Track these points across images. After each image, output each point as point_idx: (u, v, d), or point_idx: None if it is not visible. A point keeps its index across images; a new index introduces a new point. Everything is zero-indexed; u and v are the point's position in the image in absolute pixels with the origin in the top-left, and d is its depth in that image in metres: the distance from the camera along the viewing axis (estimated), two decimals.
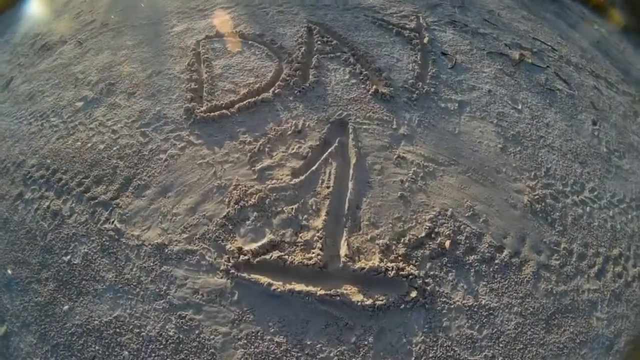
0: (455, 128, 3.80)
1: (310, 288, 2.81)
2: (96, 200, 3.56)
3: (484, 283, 2.95)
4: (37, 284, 3.31)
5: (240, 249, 3.01)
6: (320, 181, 3.25)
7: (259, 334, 2.72)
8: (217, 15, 4.81)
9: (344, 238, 3.01)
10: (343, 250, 2.96)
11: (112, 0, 5.63)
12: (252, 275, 2.89)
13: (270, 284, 2.84)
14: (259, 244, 3.02)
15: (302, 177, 3.26)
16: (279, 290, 2.80)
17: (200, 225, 3.18)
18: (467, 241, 3.09)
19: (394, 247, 3.00)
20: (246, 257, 2.95)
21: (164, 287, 2.95)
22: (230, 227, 3.13)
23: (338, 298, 2.75)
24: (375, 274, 2.84)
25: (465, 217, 3.21)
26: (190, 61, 4.16)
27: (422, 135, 3.65)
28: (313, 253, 2.92)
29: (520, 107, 4.21)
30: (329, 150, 3.42)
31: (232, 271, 2.92)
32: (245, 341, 2.69)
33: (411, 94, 3.93)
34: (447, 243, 3.06)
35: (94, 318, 2.95)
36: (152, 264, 3.06)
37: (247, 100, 3.73)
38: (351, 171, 3.31)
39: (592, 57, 5.70)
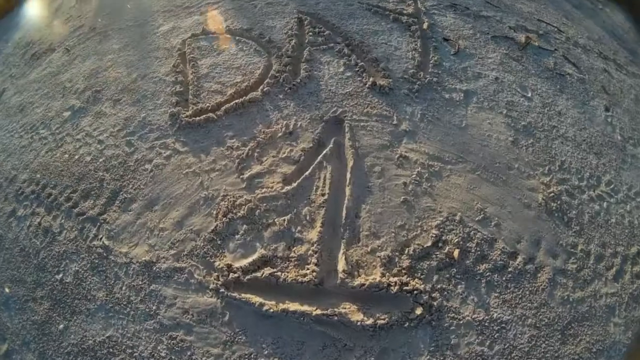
0: (462, 121, 3.32)
1: (306, 308, 2.45)
2: (84, 216, 3.27)
3: (496, 294, 2.55)
4: (33, 302, 3.11)
5: (229, 266, 2.66)
6: (314, 188, 2.85)
7: (252, 356, 2.41)
8: (203, 11, 4.37)
9: (341, 251, 2.62)
10: (341, 264, 2.57)
11: (100, 3, 5.25)
12: (243, 295, 2.54)
13: (262, 304, 2.48)
14: (249, 260, 2.65)
15: (294, 185, 2.86)
16: (271, 310, 2.44)
17: (187, 241, 2.85)
18: (478, 249, 2.66)
19: (397, 259, 2.60)
20: (236, 275, 2.60)
21: (154, 307, 2.66)
22: (219, 242, 2.78)
23: (336, 318, 2.37)
24: (376, 290, 2.45)
25: (475, 222, 2.78)
26: (175, 62, 3.77)
27: (426, 131, 3.19)
28: (308, 269, 2.54)
29: (530, 94, 3.69)
30: (324, 152, 3.00)
31: (222, 290, 2.59)
32: None
33: (412, 85, 3.45)
34: (456, 252, 2.65)
35: (88, 338, 2.71)
36: (140, 283, 2.78)
37: (234, 102, 3.33)
38: (348, 175, 2.89)
39: (599, 38, 5.05)
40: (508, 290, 2.57)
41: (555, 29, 4.62)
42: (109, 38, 4.45)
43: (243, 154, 3.05)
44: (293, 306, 2.48)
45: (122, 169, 3.31)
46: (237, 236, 2.78)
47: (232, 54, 3.78)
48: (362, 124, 3.18)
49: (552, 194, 3.00)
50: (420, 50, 3.74)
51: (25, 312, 3.09)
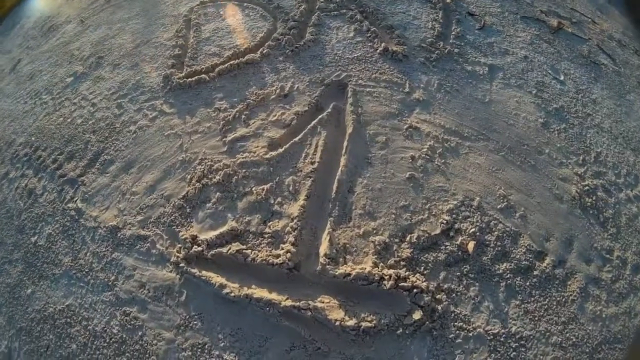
0: (486, 96, 2.57)
1: (274, 296, 1.79)
2: (65, 178, 2.82)
3: (517, 302, 1.80)
4: (9, 265, 2.72)
5: (194, 238, 2.07)
6: (303, 155, 2.21)
7: (206, 346, 1.81)
8: None
9: (326, 231, 1.95)
10: (323, 247, 1.90)
11: None
12: (204, 272, 1.94)
13: (222, 286, 1.86)
14: (217, 232, 2.06)
15: (280, 150, 2.24)
16: (233, 294, 1.82)
17: (156, 207, 2.31)
18: (499, 243, 1.94)
19: (395, 247, 1.91)
20: (200, 249, 2.00)
21: (112, 277, 2.21)
22: (188, 210, 2.21)
23: (309, 313, 1.70)
24: (365, 283, 1.76)
25: (496, 210, 2.05)
26: (178, 28, 3.28)
27: (443, 102, 2.47)
28: (282, 249, 1.90)
29: (562, 77, 2.90)
30: (320, 116, 2.35)
31: (182, 265, 2.01)
32: (189, 353, 1.81)
33: (430, 53, 2.75)
34: (471, 245, 1.92)
35: (49, 304, 2.32)
36: (104, 250, 2.32)
37: (228, 63, 2.77)
38: (345, 143, 2.22)
39: (634, 35, 4.15)
40: (532, 299, 1.82)
41: (589, 20, 3.77)
42: (122, 8, 4.06)
43: (230, 116, 2.46)
44: (259, 292, 1.82)
45: (108, 130, 2.83)
46: (208, 204, 2.19)
47: (238, 19, 3.23)
48: (368, 89, 2.50)
49: (587, 188, 2.23)
50: (441, 21, 3.03)
51: (1, 275, 2.68)
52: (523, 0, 3.65)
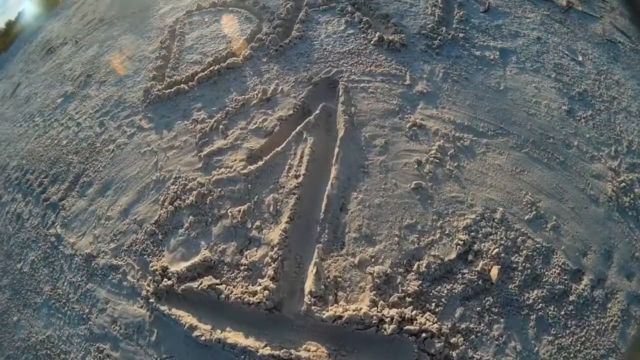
0: (500, 83, 2.04)
1: (251, 342, 1.35)
2: (48, 202, 2.55)
3: (550, 338, 1.31)
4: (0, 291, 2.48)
5: (164, 270, 1.66)
6: (286, 167, 1.75)
7: None
8: None
9: (313, 261, 1.49)
10: (309, 282, 1.44)
11: None
12: (174, 310, 1.53)
13: (193, 327, 1.44)
14: (188, 263, 1.64)
15: (260, 163, 1.79)
16: (204, 337, 1.40)
17: (129, 233, 1.96)
18: (528, 265, 1.43)
19: (399, 279, 1.43)
20: (169, 282, 1.59)
21: (87, 310, 1.89)
22: (160, 236, 1.82)
23: None
24: (360, 327, 1.29)
25: (524, 222, 1.53)
26: (163, 39, 2.91)
27: (451, 93, 1.96)
28: (260, 284, 1.46)
29: (581, 58, 2.33)
30: (307, 120, 1.88)
31: (152, 300, 1.62)
32: None
33: (432, 40, 2.24)
34: (494, 270, 1.42)
35: (32, 334, 2.05)
36: (79, 279, 2.01)
37: (209, 70, 2.36)
38: (337, 149, 1.74)
39: None
40: (567, 331, 1.33)
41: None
42: (113, 26, 3.77)
43: (207, 127, 2.05)
44: (234, 337, 1.38)
45: (89, 151, 2.50)
46: (180, 230, 1.79)
47: (222, 24, 2.82)
48: (362, 85, 2.02)
49: (624, 185, 1.70)
50: (441, 6, 2.50)
51: None
52: None
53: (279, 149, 1.82)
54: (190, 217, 1.78)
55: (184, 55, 2.69)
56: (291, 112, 1.94)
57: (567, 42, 2.47)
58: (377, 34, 2.26)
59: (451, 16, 2.53)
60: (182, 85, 2.35)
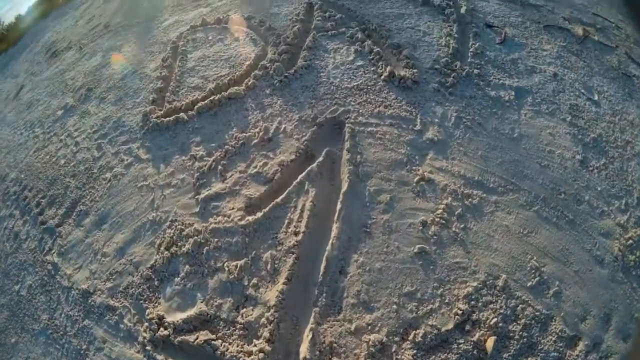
0: (514, 129, 1.86)
1: None
2: (45, 226, 2.42)
3: None
4: None
5: (161, 319, 1.55)
6: (286, 222, 1.60)
7: None
8: (210, 3, 3.29)
9: (309, 325, 1.37)
10: (304, 347, 1.32)
11: (121, 2, 4.39)
12: None
13: None
14: (185, 315, 1.53)
15: (258, 215, 1.63)
16: None
17: (125, 274, 1.83)
18: (525, 333, 1.32)
19: (394, 347, 1.31)
20: (166, 332, 1.49)
21: (84, 346, 1.80)
22: (156, 282, 1.70)
23: None
24: None
25: (526, 289, 1.40)
26: (165, 56, 2.72)
27: (463, 142, 1.79)
28: (256, 346, 1.35)
29: (596, 97, 2.13)
30: (309, 168, 1.72)
31: (149, 348, 1.52)
32: None
33: (445, 77, 2.04)
34: (490, 342, 1.29)
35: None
36: (76, 314, 1.92)
37: (209, 99, 2.17)
38: (339, 205, 1.59)
39: None
40: None
41: (613, 25, 2.91)
42: (118, 35, 3.56)
43: (205, 166, 1.89)
44: None
45: (86, 176, 2.35)
46: (176, 279, 1.66)
47: (225, 44, 2.62)
48: (370, 128, 1.84)
49: (631, 242, 1.56)
50: (456, 36, 2.29)
51: None
52: (544, 7, 2.84)
53: (278, 200, 1.66)
54: (187, 266, 1.65)
55: (185, 78, 2.50)
56: (293, 156, 1.77)
57: (584, 79, 2.28)
58: (388, 68, 2.06)
59: (466, 48, 2.32)
60: (181, 114, 2.18)
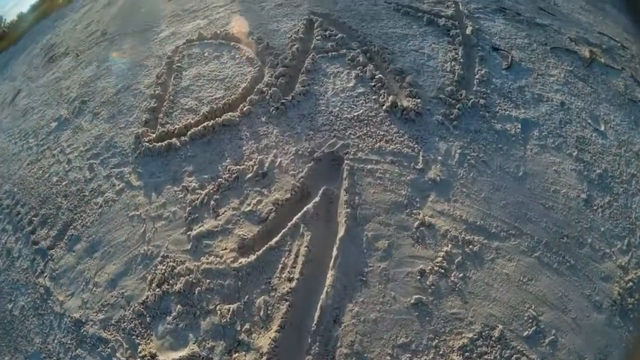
0: (519, 167, 1.74)
1: None
2: (37, 246, 2.29)
3: None
4: None
5: (153, 357, 1.46)
6: (280, 267, 1.48)
7: None
8: (207, 15, 3.10)
9: None
10: None
11: (119, 9, 4.18)
12: None
13: None
14: (177, 355, 1.43)
15: (252, 258, 1.51)
16: None
17: (117, 307, 1.73)
18: None
19: None
20: None
21: None
22: (148, 319, 1.59)
23: None
24: None
25: (522, 339, 1.31)
26: (159, 72, 2.55)
27: (467, 182, 1.66)
28: None
29: (603, 127, 2.01)
30: (305, 209, 1.59)
31: None
32: None
33: (450, 108, 1.90)
34: None
35: None
36: (69, 342, 1.82)
37: (202, 125, 2.02)
38: (335, 251, 1.47)
39: None
40: None
41: (619, 44, 2.78)
42: (114, 44, 3.38)
43: (197, 200, 1.75)
44: None
45: (78, 198, 2.21)
46: (168, 318, 1.55)
47: (222, 62, 2.44)
48: (369, 166, 1.71)
49: (631, 284, 1.48)
50: (462, 60, 2.14)
51: None
52: (550, 26, 2.70)
53: (272, 243, 1.54)
54: (179, 305, 1.55)
55: (178, 99, 2.34)
56: (289, 195, 1.64)
57: (590, 107, 2.16)
58: (391, 97, 1.91)
59: (472, 74, 2.17)
60: (173, 139, 2.03)
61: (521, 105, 2.05)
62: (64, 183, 2.38)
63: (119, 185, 2.08)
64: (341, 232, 1.54)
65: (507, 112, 1.98)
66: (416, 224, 1.57)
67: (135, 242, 1.83)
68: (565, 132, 1.97)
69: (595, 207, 1.71)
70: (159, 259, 1.73)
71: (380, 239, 1.54)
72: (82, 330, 1.84)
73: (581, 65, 2.51)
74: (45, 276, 2.17)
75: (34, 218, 2.44)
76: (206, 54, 2.60)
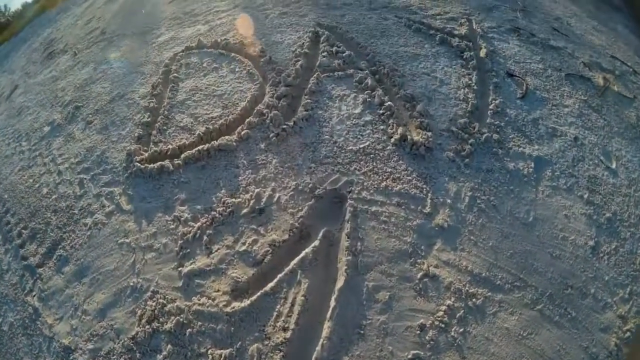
0: (530, 211, 1.58)
1: None
2: (26, 262, 2.11)
3: None
4: None
5: None
6: (275, 314, 1.33)
7: None
8: (209, 20, 2.83)
9: None
10: None
11: (121, 6, 3.86)
12: None
13: None
14: None
15: (245, 303, 1.36)
16: None
17: (106, 339, 1.59)
18: None
19: None
20: None
21: None
22: (138, 355, 1.45)
23: None
24: None
25: None
26: (155, 82, 2.32)
27: (475, 229, 1.50)
28: None
29: (614, 165, 1.85)
30: (303, 253, 1.43)
31: None
32: None
33: (462, 143, 1.72)
34: None
35: None
36: None
37: (197, 148, 1.81)
38: (333, 302, 1.32)
39: None
40: None
41: (631, 70, 2.60)
42: (112, 45, 3.12)
43: (189, 233, 1.58)
44: None
45: (67, 216, 2.03)
46: (159, 356, 1.41)
47: (220, 75, 2.22)
48: (374, 208, 1.53)
49: (629, 334, 1.37)
50: (475, 87, 1.95)
51: None
52: (564, 49, 2.50)
53: (268, 288, 1.39)
54: (169, 345, 1.40)
55: (173, 114, 2.13)
56: (286, 236, 1.48)
57: (603, 142, 1.99)
58: (400, 129, 1.72)
59: (485, 103, 1.98)
60: (166, 161, 1.83)
61: (535, 140, 1.87)
62: (53, 197, 2.19)
63: (108, 207, 1.90)
64: (341, 282, 1.40)
65: (521, 148, 1.81)
66: (420, 275, 1.42)
67: (124, 272, 1.67)
68: (577, 171, 1.81)
69: (601, 255, 1.57)
70: (149, 293, 1.57)
71: (381, 290, 1.39)
72: (71, 358, 1.72)
73: (595, 95, 2.33)
74: (34, 295, 2.01)
75: (23, 231, 2.25)
76: (205, 65, 2.36)
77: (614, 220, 1.70)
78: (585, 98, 2.24)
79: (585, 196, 1.72)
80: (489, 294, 1.42)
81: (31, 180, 2.45)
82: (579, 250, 1.57)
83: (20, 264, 2.25)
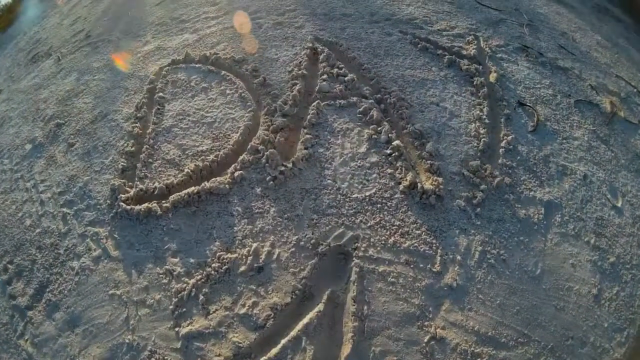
0: (538, 264, 1.44)
1: None
2: (15, 302, 1.87)
3: None
4: None
5: None
6: None
7: None
8: (197, 28, 2.42)
9: None
10: None
11: (107, 7, 3.31)
12: None
13: None
14: None
15: None
16: None
17: None
18: None
19: None
20: None
21: None
22: None
23: None
24: None
25: None
26: (140, 102, 2.00)
27: (484, 287, 1.35)
28: None
29: (620, 203, 1.71)
30: (307, 319, 1.26)
31: None
32: None
33: (474, 190, 1.52)
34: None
35: None
36: None
37: (186, 191, 1.56)
38: None
39: None
40: None
41: (635, 91, 2.40)
42: (96, 51, 2.69)
43: (184, 291, 1.39)
44: None
45: (52, 256, 1.78)
46: None
47: (209, 98, 1.91)
48: (381, 268, 1.36)
49: None
50: (487, 121, 1.72)
51: None
52: (571, 70, 2.27)
53: (272, 355, 1.25)
54: None
55: (159, 144, 1.83)
56: (289, 299, 1.30)
57: (610, 178, 1.83)
58: (409, 176, 1.50)
59: (497, 140, 1.76)
60: (154, 204, 1.58)
61: (545, 181, 1.69)
62: (37, 230, 1.92)
63: (95, 250, 1.67)
64: (347, 349, 1.25)
65: (532, 192, 1.63)
66: (427, 338, 1.28)
67: (118, 328, 1.49)
68: (585, 213, 1.65)
69: (603, 301, 1.47)
70: (147, 353, 1.39)
71: (387, 355, 1.25)
72: None
73: (603, 123, 2.12)
74: (27, 340, 1.80)
75: (9, 265, 1.99)
76: (193, 84, 2.03)
77: (617, 264, 1.58)
78: (594, 128, 2.04)
79: (592, 241, 1.58)
80: (494, 352, 1.31)
81: (14, 207, 2.13)
82: (582, 299, 1.46)
83: (9, 302, 1.99)
